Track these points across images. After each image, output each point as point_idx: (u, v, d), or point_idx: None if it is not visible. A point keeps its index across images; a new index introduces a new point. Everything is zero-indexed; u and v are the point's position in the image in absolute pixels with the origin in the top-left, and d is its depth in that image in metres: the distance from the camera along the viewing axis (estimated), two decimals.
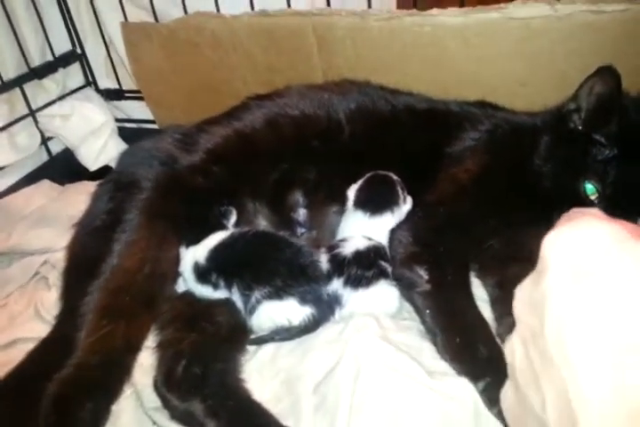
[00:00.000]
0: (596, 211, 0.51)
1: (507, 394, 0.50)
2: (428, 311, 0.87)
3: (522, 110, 1.13)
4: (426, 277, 0.89)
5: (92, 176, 1.49)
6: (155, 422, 0.81)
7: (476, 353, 0.80)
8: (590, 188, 0.89)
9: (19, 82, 1.45)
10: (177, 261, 0.95)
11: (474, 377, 0.79)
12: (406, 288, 0.92)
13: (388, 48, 1.28)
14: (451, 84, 1.25)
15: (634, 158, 0.88)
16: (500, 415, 0.73)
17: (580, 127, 0.94)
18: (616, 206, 0.87)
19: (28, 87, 1.48)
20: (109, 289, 0.88)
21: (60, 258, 1.10)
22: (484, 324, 0.86)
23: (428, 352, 0.85)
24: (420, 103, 1.16)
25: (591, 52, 1.12)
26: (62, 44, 1.58)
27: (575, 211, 0.54)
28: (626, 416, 0.37)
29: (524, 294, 0.49)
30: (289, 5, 1.38)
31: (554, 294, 0.42)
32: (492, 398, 0.75)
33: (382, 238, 0.98)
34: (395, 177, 1.02)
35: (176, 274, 0.96)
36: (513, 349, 0.49)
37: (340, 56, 1.32)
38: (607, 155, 0.89)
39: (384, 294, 0.93)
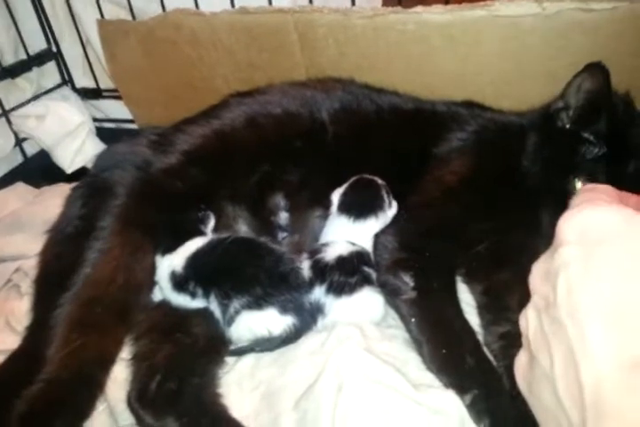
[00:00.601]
0: (606, 187, 0.54)
1: (520, 362, 0.54)
2: (413, 320, 0.84)
3: (509, 110, 1.11)
4: (411, 284, 0.86)
5: (70, 178, 1.45)
6: None
7: (463, 365, 0.78)
8: (579, 186, 0.87)
9: None
10: (152, 269, 0.91)
11: (461, 390, 0.76)
12: (391, 295, 0.89)
13: (372, 46, 1.24)
14: (436, 83, 1.22)
15: (623, 156, 0.86)
16: None
17: (569, 126, 0.92)
18: None
19: (0, 87, 1.43)
20: (81, 301, 0.84)
21: (33, 265, 1.05)
22: (472, 333, 0.83)
23: (413, 363, 0.82)
24: (405, 103, 1.13)
25: (580, 50, 1.10)
26: (37, 43, 1.53)
27: (587, 188, 0.57)
28: (623, 368, 0.41)
29: (539, 267, 0.52)
30: (270, 3, 1.34)
31: (566, 262, 0.47)
32: (479, 412, 0.73)
33: (366, 243, 0.95)
34: (380, 181, 1.00)
35: (151, 283, 0.92)
36: (527, 319, 0.52)
37: (322, 54, 1.28)
38: (596, 153, 0.87)
39: (368, 302, 0.90)
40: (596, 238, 0.45)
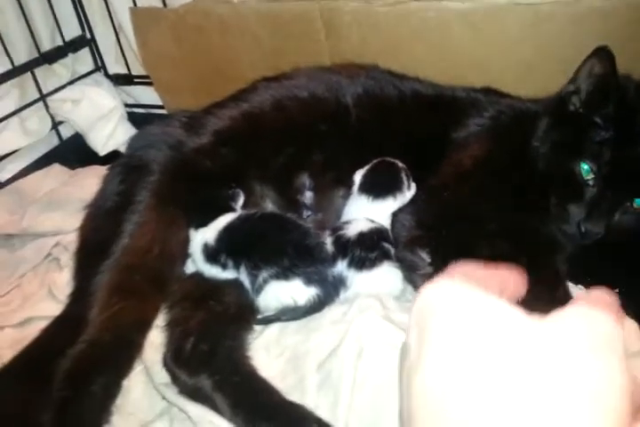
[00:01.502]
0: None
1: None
2: None
3: (528, 96, 1.14)
4: (428, 260, 0.91)
5: (102, 161, 1.51)
6: (164, 397, 0.84)
7: None
8: (586, 168, 0.90)
9: (29, 66, 1.46)
10: (186, 242, 0.97)
11: None
12: (408, 270, 0.93)
13: (395, 33, 1.28)
14: (457, 70, 1.25)
15: (630, 140, 0.89)
16: None
17: (581, 109, 0.95)
18: (611, 187, 0.89)
19: (38, 72, 1.49)
20: (120, 268, 0.90)
21: (71, 240, 1.13)
22: None
23: None
24: (426, 89, 1.17)
25: (599, 36, 1.11)
26: (72, 30, 1.59)
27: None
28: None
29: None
30: None
31: (408, 348, 0.41)
32: None
33: (385, 222, 1.00)
34: (401, 164, 1.04)
35: (185, 255, 0.98)
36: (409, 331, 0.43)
37: (346, 41, 1.32)
38: (603, 136, 0.89)
39: (387, 276, 0.94)
40: (427, 322, 0.40)
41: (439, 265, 0.90)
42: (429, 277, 0.89)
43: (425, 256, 0.91)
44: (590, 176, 0.90)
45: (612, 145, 0.89)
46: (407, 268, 0.93)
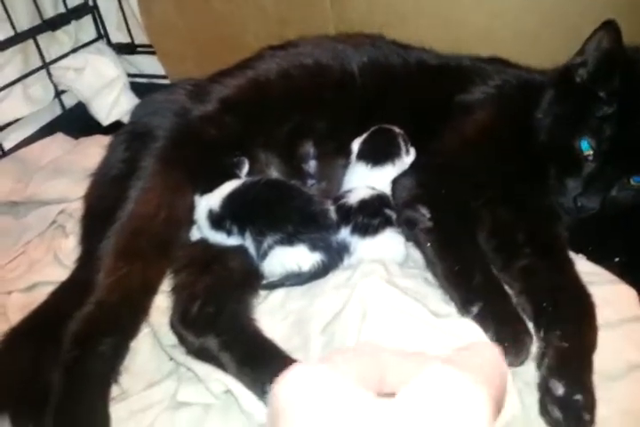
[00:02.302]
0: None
1: None
2: (429, 244, 0.91)
3: (534, 66, 1.13)
4: (428, 215, 0.92)
5: (105, 130, 1.51)
6: (172, 358, 0.86)
7: (472, 280, 0.85)
8: (586, 144, 0.90)
9: (32, 33, 1.44)
10: (191, 208, 0.98)
11: (468, 301, 0.83)
12: (409, 226, 0.94)
13: (401, 2, 1.27)
14: (463, 39, 1.25)
15: (631, 116, 0.89)
16: (492, 340, 0.78)
17: (586, 82, 0.94)
18: (609, 164, 0.89)
19: (41, 39, 1.48)
20: (126, 232, 0.91)
21: (75, 208, 1.14)
22: (482, 255, 0.90)
23: (432, 297, 0.88)
24: (431, 58, 1.16)
25: (605, 5, 1.11)
26: None
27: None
28: None
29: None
30: None
31: None
32: (485, 320, 0.80)
33: (385, 188, 1.01)
34: (398, 130, 1.04)
35: (190, 221, 0.99)
36: None
37: (352, 10, 1.31)
38: (606, 111, 0.90)
39: (391, 242, 0.96)
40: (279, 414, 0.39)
41: (439, 220, 0.92)
42: (430, 231, 0.91)
43: (425, 211, 0.93)
44: (590, 152, 0.90)
45: (613, 121, 0.89)
46: (408, 224, 0.95)
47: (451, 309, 0.86)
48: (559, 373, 0.74)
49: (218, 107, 1.06)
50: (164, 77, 1.64)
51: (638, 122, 0.88)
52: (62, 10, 1.54)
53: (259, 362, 0.78)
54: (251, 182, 0.98)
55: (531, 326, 0.83)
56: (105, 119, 1.58)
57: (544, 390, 0.74)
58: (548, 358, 0.77)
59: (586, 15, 1.13)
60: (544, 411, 0.73)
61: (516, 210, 0.98)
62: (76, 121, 1.58)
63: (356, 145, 1.06)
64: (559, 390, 0.72)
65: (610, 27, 0.88)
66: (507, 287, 0.89)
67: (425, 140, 1.04)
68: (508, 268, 0.92)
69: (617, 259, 1.01)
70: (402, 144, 1.03)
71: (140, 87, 1.67)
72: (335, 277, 0.93)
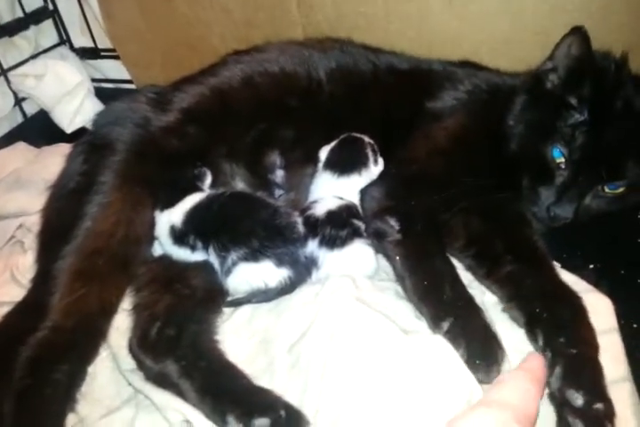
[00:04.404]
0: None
1: None
2: (398, 258, 0.88)
3: (506, 69, 1.12)
4: (397, 227, 0.90)
5: (70, 138, 1.46)
6: (130, 383, 0.82)
7: (442, 295, 0.82)
8: (557, 152, 0.89)
9: None
10: (152, 223, 0.94)
11: (438, 317, 0.80)
12: (378, 238, 0.92)
13: (370, 4, 1.25)
14: (434, 43, 1.23)
15: (603, 123, 0.87)
16: (464, 357, 0.75)
17: (557, 88, 0.93)
18: (582, 172, 0.88)
19: None
20: (83, 252, 0.88)
21: (35, 221, 1.09)
22: (452, 268, 0.87)
23: (403, 312, 0.85)
24: (402, 63, 1.14)
25: (576, 8, 1.10)
26: (33, 0, 1.52)
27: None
28: None
29: None
30: None
31: None
32: (456, 337, 0.77)
33: (353, 198, 0.98)
34: (367, 139, 1.02)
35: (151, 237, 0.95)
36: None
37: (320, 12, 1.28)
38: (577, 119, 0.88)
39: (360, 254, 0.93)
40: None
41: (408, 232, 0.90)
42: (399, 244, 0.89)
43: (394, 223, 0.91)
44: (562, 159, 0.89)
45: (585, 129, 0.87)
46: (377, 236, 0.92)
47: (421, 324, 0.83)
48: (575, 382, 0.71)
49: (180, 117, 1.03)
50: (130, 82, 1.60)
51: (609, 130, 0.87)
52: (20, 14, 1.48)
53: (220, 391, 0.74)
54: (214, 195, 0.94)
55: (522, 334, 0.81)
56: (68, 127, 1.53)
57: (561, 401, 0.71)
58: (559, 367, 0.73)
59: (556, 18, 1.12)
60: (564, 424, 0.70)
61: (491, 219, 0.96)
62: (39, 129, 1.53)
63: (323, 153, 1.03)
64: (578, 400, 0.69)
65: (579, 33, 0.86)
66: (493, 295, 0.88)
67: (395, 149, 1.02)
68: (492, 275, 0.90)
69: (592, 266, 0.99)
70: (370, 154, 1.00)
71: (105, 93, 1.62)
72: (303, 293, 0.90)
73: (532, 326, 0.81)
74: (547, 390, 0.74)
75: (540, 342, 0.78)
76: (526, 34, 1.18)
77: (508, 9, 1.17)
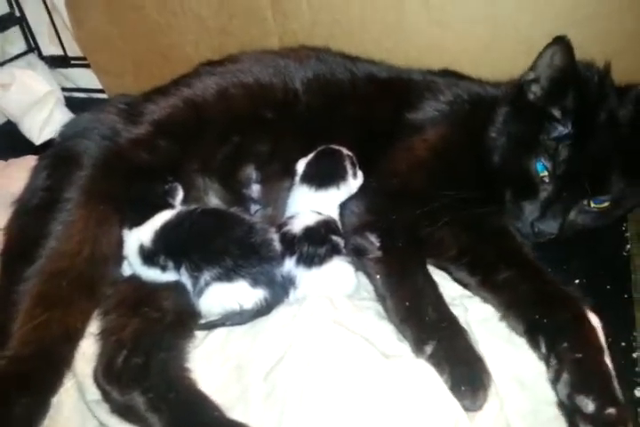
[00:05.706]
0: None
1: None
2: (378, 277, 0.86)
3: (486, 78, 1.09)
4: (377, 243, 0.88)
5: (38, 150, 1.41)
6: (95, 416, 0.77)
7: (425, 317, 0.79)
8: (541, 166, 0.87)
9: None
10: (119, 242, 0.89)
11: (421, 340, 0.77)
12: (358, 255, 0.89)
13: (346, 12, 1.22)
14: (412, 51, 1.21)
15: (588, 136, 0.85)
16: (448, 383, 0.72)
17: (540, 99, 0.90)
18: (566, 186, 0.85)
19: None
20: (45, 274, 0.83)
21: None
22: (434, 288, 0.84)
23: (384, 334, 0.82)
24: (380, 72, 1.11)
25: (557, 16, 1.08)
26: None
27: None
28: None
29: None
30: None
31: None
32: (439, 361, 0.74)
33: (332, 213, 0.94)
34: (345, 151, 0.98)
35: (119, 257, 0.90)
36: None
37: (295, 21, 1.26)
38: (561, 131, 0.86)
39: (339, 272, 0.89)
40: None
41: (389, 249, 0.87)
42: (379, 261, 0.87)
43: (374, 240, 0.88)
44: (545, 174, 0.86)
45: (569, 142, 0.85)
46: (357, 253, 0.89)
47: (404, 347, 0.80)
48: (585, 387, 0.68)
49: (151, 129, 0.99)
50: (101, 92, 1.55)
51: (593, 143, 0.84)
52: None
53: (190, 425, 0.70)
54: (185, 212, 0.90)
55: (523, 342, 0.79)
56: (37, 138, 1.48)
57: (572, 409, 0.68)
58: (566, 373, 0.71)
59: (536, 27, 1.10)
60: None
61: (476, 232, 0.93)
62: (6, 141, 1.47)
63: (300, 166, 0.99)
64: (589, 406, 0.66)
65: (562, 42, 0.84)
66: (488, 304, 0.86)
67: (375, 161, 0.99)
68: (487, 282, 0.87)
69: (577, 281, 0.97)
70: (348, 167, 0.96)
71: (76, 102, 1.58)
72: (280, 315, 0.86)
73: (532, 334, 0.78)
74: (555, 398, 0.71)
75: (543, 349, 0.76)
76: (507, 41, 1.15)
77: (487, 17, 1.14)
